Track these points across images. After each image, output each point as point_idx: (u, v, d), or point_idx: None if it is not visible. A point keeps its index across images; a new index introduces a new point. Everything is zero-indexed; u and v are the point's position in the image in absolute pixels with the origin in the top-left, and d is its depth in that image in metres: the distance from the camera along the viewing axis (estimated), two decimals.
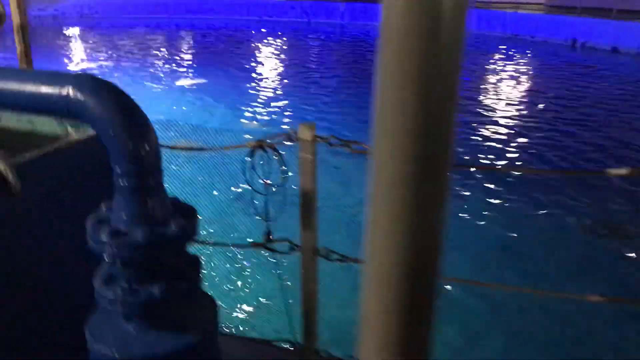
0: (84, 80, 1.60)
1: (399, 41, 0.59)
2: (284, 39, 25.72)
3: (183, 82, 16.35)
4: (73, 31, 26.82)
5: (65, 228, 2.55)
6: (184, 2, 31.23)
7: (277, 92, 15.17)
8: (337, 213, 6.71)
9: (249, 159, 3.18)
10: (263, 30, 27.68)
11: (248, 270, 5.14)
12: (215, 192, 6.86)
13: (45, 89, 1.61)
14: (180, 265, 1.71)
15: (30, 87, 1.64)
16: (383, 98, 0.62)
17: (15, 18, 3.40)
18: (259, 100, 14.16)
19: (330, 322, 3.63)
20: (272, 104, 13.65)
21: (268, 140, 3.16)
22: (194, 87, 15.74)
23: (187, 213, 1.72)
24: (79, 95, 1.57)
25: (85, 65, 19.20)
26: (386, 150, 0.63)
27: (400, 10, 0.58)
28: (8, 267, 2.30)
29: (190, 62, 19.73)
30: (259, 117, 12.55)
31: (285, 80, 16.80)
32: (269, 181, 3.24)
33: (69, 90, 1.58)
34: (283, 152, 3.19)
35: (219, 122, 11.89)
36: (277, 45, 24.09)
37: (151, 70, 18.13)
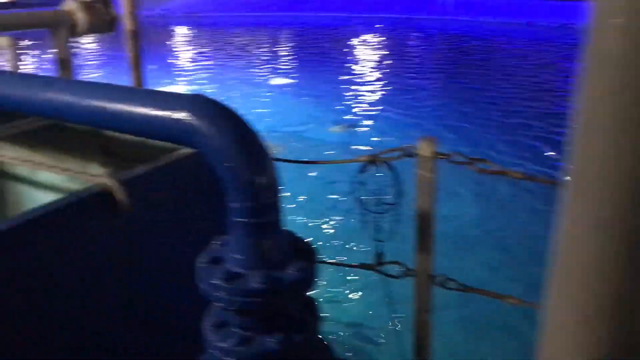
0: (200, 104, 1.42)
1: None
2: (384, 35, 25.34)
3: (278, 81, 16.41)
4: (179, 30, 27.85)
5: (174, 243, 2.47)
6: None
7: (374, 93, 14.80)
8: (455, 238, 6.28)
9: (360, 174, 2.96)
10: (362, 26, 27.42)
11: (355, 291, 4.93)
12: (320, 206, 6.73)
13: (157, 112, 1.46)
14: (298, 313, 1.51)
15: (141, 109, 1.49)
16: (592, 115, 0.58)
17: (128, 25, 3.38)
18: (353, 99, 13.86)
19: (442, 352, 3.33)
20: (367, 105, 13.29)
21: (382, 155, 2.91)
22: (289, 85, 15.75)
23: (306, 253, 1.51)
24: (195, 121, 1.40)
25: (188, 63, 19.82)
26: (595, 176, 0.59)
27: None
28: (118, 282, 2.24)
29: (288, 60, 19.85)
30: (351, 117, 12.22)
31: (384, 80, 16.40)
32: (381, 199, 3.00)
33: (183, 115, 1.41)
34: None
35: (308, 122, 11.72)
36: (375, 42, 23.75)
37: (249, 67, 18.41)
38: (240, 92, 14.40)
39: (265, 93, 14.81)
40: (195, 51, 22.62)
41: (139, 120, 1.50)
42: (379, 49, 22.28)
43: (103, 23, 4.16)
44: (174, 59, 20.53)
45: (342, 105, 13.32)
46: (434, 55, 21.35)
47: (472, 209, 7.22)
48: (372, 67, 18.48)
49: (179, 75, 17.14)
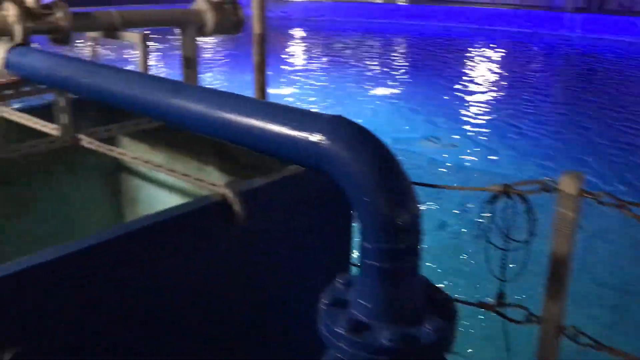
0: (340, 126, 1.26)
1: None
2: (502, 50, 24.35)
3: (383, 91, 16.11)
4: (296, 33, 28.35)
5: (286, 259, 2.40)
6: (405, 8, 31.34)
7: (486, 111, 13.95)
8: (592, 286, 5.65)
9: (488, 204, 2.69)
10: (480, 39, 26.53)
11: (469, 331, 4.61)
12: (437, 234, 6.37)
13: (291, 132, 1.31)
14: None
15: (273, 127, 1.35)
16: None
17: (256, 29, 3.32)
18: (457, 116, 13.12)
19: None
20: (476, 124, 12.50)
21: (516, 187, 2.63)
22: (392, 95, 15.38)
23: (444, 307, 1.30)
24: (332, 146, 1.23)
25: (299, 66, 20.04)
26: None
27: None
28: (229, 293, 2.19)
29: (398, 70, 19.53)
30: (452, 135, 11.49)
31: (498, 98, 15.49)
32: (509, 234, 2.71)
33: (319, 138, 1.25)
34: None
35: (408, 135, 11.24)
36: (492, 56, 22.85)
37: (357, 74, 18.28)
38: (344, 98, 14.30)
39: (368, 102, 14.60)
40: (307, 55, 22.90)
41: (270, 138, 1.36)
42: (496, 64, 21.39)
43: (230, 24, 4.16)
44: (286, 61, 20.88)
45: (448, 120, 12.73)
46: (558, 74, 20.13)
47: (613, 255, 6.44)
48: (487, 83, 17.70)
49: (288, 78, 17.38)
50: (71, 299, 1.65)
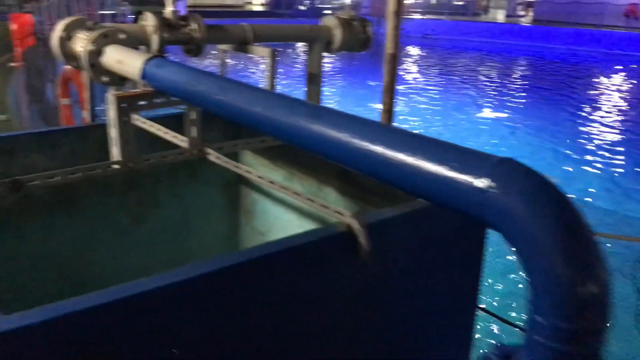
0: (512, 171, 1.07)
1: None
2: (636, 77, 22.65)
3: (499, 113, 15.40)
4: (412, 50, 28.11)
5: (412, 297, 2.25)
6: (527, 29, 30.13)
7: (609, 141, 12.89)
8: None
9: None
10: (611, 64, 24.86)
11: None
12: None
13: (449, 172, 1.14)
14: None
15: (428, 165, 1.18)
16: None
17: (389, 48, 3.19)
18: (581, 145, 12.19)
19: None
20: (598, 155, 11.51)
21: None
22: (508, 119, 14.63)
23: None
24: (502, 195, 1.05)
25: (412, 84, 19.76)
26: None
27: None
28: (348, 328, 2.07)
29: (515, 92, 18.67)
30: (580, 166, 10.62)
31: (625, 130, 14.25)
32: None
33: (486, 183, 1.07)
34: None
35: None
36: (623, 84, 21.28)
37: (471, 95, 17.67)
38: (455, 119, 13.83)
39: (482, 123, 14.02)
40: (421, 72, 22.57)
41: (422, 178, 1.19)
42: (624, 92, 19.91)
43: (358, 42, 4.07)
44: (399, 78, 20.68)
45: (572, 149, 11.87)
46: None
47: None
48: (612, 112, 16.46)
49: (399, 94, 17.10)
50: (193, 322, 1.59)
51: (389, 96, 3.19)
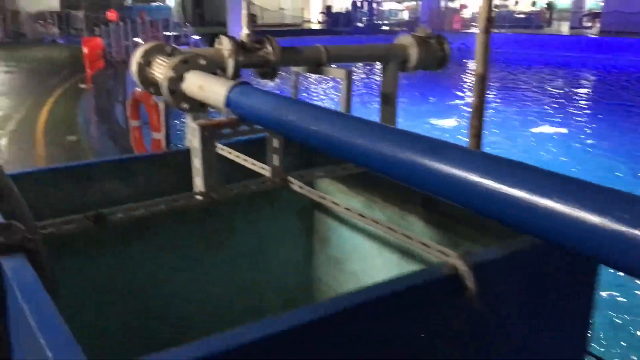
0: None
1: None
2: None
3: (561, 129, 14.77)
4: (472, 65, 27.65)
5: (517, 337, 2.06)
6: (594, 40, 29.13)
7: None
8: None
9: None
10: None
11: None
12: None
13: (590, 217, 0.96)
14: None
15: (566, 209, 1.00)
16: None
17: (478, 69, 3.02)
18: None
19: None
20: None
21: None
22: (555, 135, 13.99)
23: None
24: None
25: (467, 99, 19.35)
26: None
27: None
28: None
29: (580, 107, 17.94)
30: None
31: None
32: None
33: (619, 227, 0.89)
34: None
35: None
36: None
37: (534, 110, 17.10)
38: (516, 134, 13.36)
39: (545, 139, 13.49)
40: (490, 89, 22.10)
41: (556, 221, 1.01)
42: None
43: (434, 60, 3.91)
44: (457, 93, 20.25)
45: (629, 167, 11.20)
46: None
47: None
48: None
49: (457, 109, 16.70)
50: None
51: (478, 119, 2.99)
